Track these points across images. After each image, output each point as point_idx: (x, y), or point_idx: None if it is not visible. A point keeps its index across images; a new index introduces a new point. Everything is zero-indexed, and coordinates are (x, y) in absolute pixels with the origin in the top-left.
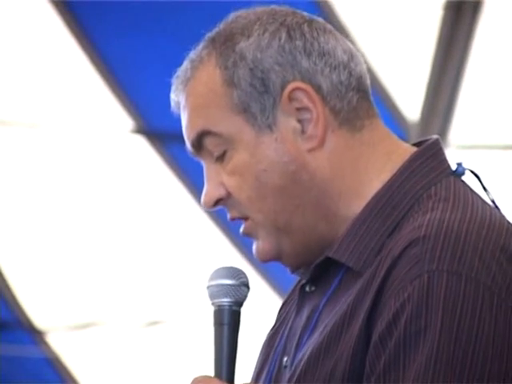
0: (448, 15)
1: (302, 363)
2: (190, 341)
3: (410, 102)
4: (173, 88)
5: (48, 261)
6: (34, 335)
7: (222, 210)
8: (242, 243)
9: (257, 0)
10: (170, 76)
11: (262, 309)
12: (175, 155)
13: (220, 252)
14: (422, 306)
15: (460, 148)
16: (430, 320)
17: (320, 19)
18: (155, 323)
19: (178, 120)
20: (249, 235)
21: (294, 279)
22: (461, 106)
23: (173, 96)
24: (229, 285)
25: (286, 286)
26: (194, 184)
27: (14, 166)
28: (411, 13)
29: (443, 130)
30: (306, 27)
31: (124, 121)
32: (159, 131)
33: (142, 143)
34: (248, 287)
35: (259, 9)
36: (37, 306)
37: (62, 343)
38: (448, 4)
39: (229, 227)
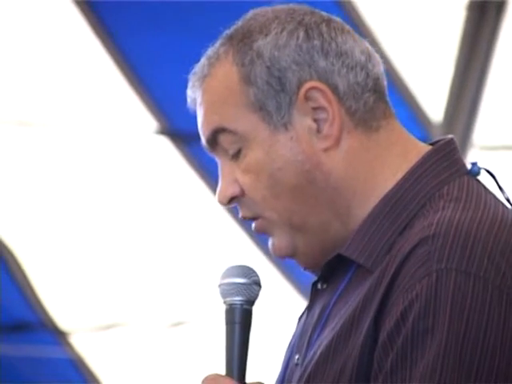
0: (471, 15)
1: (312, 361)
2: (214, 341)
3: (434, 103)
4: (189, 84)
5: (71, 262)
6: (58, 336)
7: None
8: (265, 243)
9: (280, 0)
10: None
11: (283, 306)
12: (199, 156)
13: (243, 252)
14: (430, 305)
15: (484, 149)
16: (437, 319)
17: (338, 19)
18: (179, 324)
19: None
20: (263, 232)
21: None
22: (484, 106)
23: (189, 92)
24: (240, 283)
25: (307, 284)
26: (217, 185)
27: (38, 166)
28: (434, 13)
29: (467, 131)
30: (324, 27)
31: (148, 122)
32: (183, 132)
33: (166, 144)
34: (260, 286)
35: (278, 7)
36: (60, 307)
37: (85, 344)
38: (471, 4)
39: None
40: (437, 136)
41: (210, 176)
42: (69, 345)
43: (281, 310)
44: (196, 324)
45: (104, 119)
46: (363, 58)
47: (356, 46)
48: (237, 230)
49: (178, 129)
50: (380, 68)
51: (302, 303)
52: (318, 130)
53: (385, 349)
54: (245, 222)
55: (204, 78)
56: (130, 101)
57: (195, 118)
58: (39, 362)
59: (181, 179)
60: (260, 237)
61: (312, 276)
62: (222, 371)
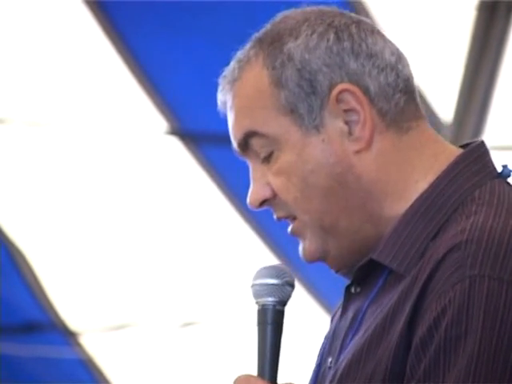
0: (482, 15)
1: (344, 365)
2: (226, 341)
3: (444, 103)
4: (219, 88)
5: (81, 262)
6: (68, 336)
7: (258, 212)
8: (276, 244)
9: (288, 0)
10: (205, 77)
11: (301, 313)
12: (209, 157)
13: (254, 253)
14: (463, 311)
15: (494, 149)
16: (470, 325)
17: (368, 20)
18: (190, 324)
19: (213, 121)
20: (296, 235)
21: (332, 281)
22: (495, 106)
23: (219, 96)
24: (273, 284)
25: (322, 287)
26: (228, 185)
27: (48, 167)
28: (444, 13)
29: (477, 131)
30: (353, 28)
31: (158, 122)
32: (193, 133)
33: (177, 145)
34: (292, 286)
35: (307, 9)
36: (70, 308)
37: (95, 344)
38: (482, 4)
39: (263, 228)
40: (447, 136)
41: (219, 177)
42: (79, 345)
43: (300, 318)
44: (207, 324)
45: (114, 120)
46: (393, 59)
47: (386, 47)
48: (247, 231)
49: (189, 129)
50: (409, 69)
51: (319, 311)
52: (350, 132)
53: (417, 355)
54: (257, 223)
55: (234, 81)
56: (140, 101)
57: (205, 118)
58: (49, 363)
59: (191, 180)
60: (271, 237)
61: (326, 283)
62: (236, 370)
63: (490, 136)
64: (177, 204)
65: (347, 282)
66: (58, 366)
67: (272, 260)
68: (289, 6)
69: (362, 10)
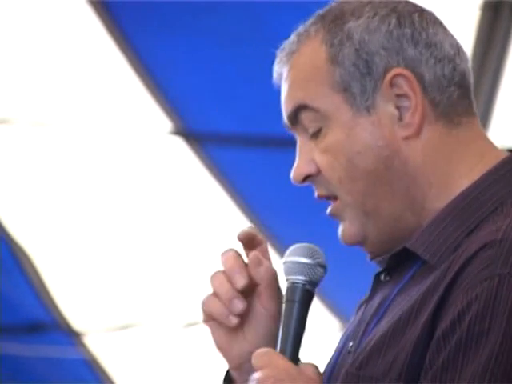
0: (485, 15)
1: (366, 350)
2: None
3: None
4: (277, 60)
5: (86, 262)
6: (72, 337)
7: (263, 212)
8: (282, 245)
9: (291, 1)
10: (209, 77)
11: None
12: (213, 157)
13: None
14: (488, 308)
15: None
16: (494, 323)
17: (431, 11)
18: (194, 324)
19: (217, 121)
20: (335, 216)
21: (343, 287)
22: (499, 106)
23: (276, 67)
24: (305, 263)
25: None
26: (233, 185)
27: (53, 167)
28: (448, 13)
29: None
30: (416, 16)
31: (162, 122)
32: (197, 132)
33: (181, 145)
34: (325, 268)
35: None
36: (75, 308)
37: (99, 344)
38: (485, 4)
39: (269, 229)
40: None
41: (223, 177)
42: (83, 345)
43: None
44: None
45: (118, 120)
46: (452, 52)
47: (446, 39)
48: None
49: (193, 129)
50: (468, 64)
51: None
52: (400, 118)
53: (438, 346)
54: (263, 225)
55: (292, 53)
56: (144, 101)
57: (209, 118)
58: (54, 363)
59: (195, 180)
60: (276, 238)
61: (337, 288)
62: None
63: (495, 136)
64: (181, 204)
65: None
66: (62, 366)
67: (276, 260)
68: (291, 6)
69: None
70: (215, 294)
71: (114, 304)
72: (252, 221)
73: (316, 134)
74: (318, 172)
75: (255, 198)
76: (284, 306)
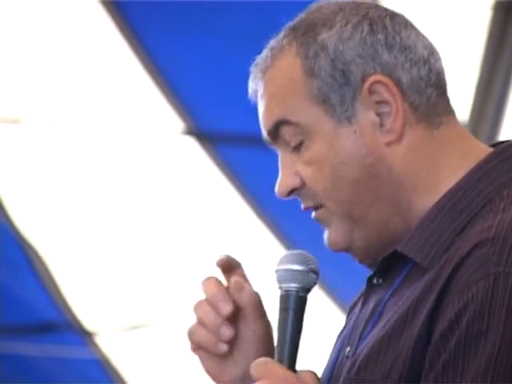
0: (497, 15)
1: (363, 355)
2: None
3: (460, 102)
4: (251, 76)
5: (97, 262)
6: (84, 336)
7: (275, 212)
8: (293, 244)
9: (303, 0)
10: (221, 77)
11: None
12: (226, 157)
13: (271, 253)
14: (485, 308)
15: None
16: (492, 322)
17: (402, 14)
18: None
19: (229, 121)
20: (320, 222)
21: (343, 274)
22: (511, 107)
23: (251, 84)
24: (297, 270)
25: (337, 284)
26: (245, 185)
27: (65, 167)
28: (460, 13)
29: (493, 130)
30: (388, 21)
31: (174, 122)
32: (209, 132)
33: (193, 145)
34: (317, 274)
35: (342, 1)
36: (86, 308)
37: (111, 344)
38: (497, 4)
39: (280, 229)
40: None
41: (236, 177)
42: (95, 345)
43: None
44: None
45: (130, 120)
46: (426, 53)
47: (419, 41)
48: (264, 231)
49: (205, 129)
50: (441, 63)
51: (334, 309)
52: (381, 124)
53: (437, 349)
54: (274, 225)
55: (267, 69)
56: (156, 102)
57: (221, 118)
58: (65, 363)
59: (207, 180)
60: (288, 238)
61: (345, 281)
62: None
63: (507, 135)
64: (193, 204)
65: (368, 273)
66: (74, 366)
67: None
68: (303, 6)
69: None
70: (201, 323)
71: (126, 304)
72: (263, 220)
73: (298, 147)
74: (303, 185)
75: (267, 197)
76: (278, 314)
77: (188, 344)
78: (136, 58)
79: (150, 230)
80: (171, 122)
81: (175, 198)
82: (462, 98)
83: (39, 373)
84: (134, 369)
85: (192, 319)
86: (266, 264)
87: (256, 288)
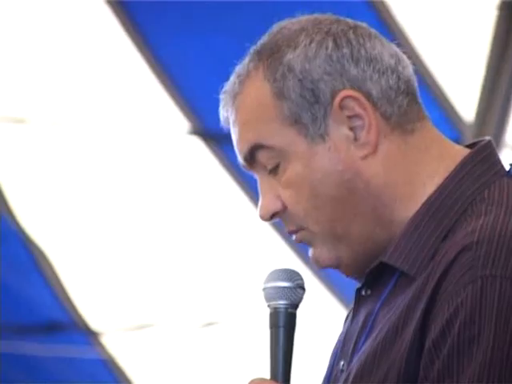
0: (503, 15)
1: (357, 368)
2: (246, 342)
3: (466, 103)
4: (221, 103)
5: (103, 262)
6: (89, 336)
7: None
8: (297, 244)
9: (307, 0)
10: (227, 77)
11: (321, 312)
12: (231, 156)
13: (275, 254)
14: (475, 312)
15: None
16: (483, 326)
17: (364, 24)
18: (211, 324)
19: None
20: (305, 243)
21: (352, 282)
22: None
23: (222, 111)
24: (285, 287)
25: (343, 288)
26: (250, 185)
27: (71, 167)
28: (466, 13)
29: (499, 131)
30: (351, 34)
31: (180, 122)
32: (215, 132)
33: (198, 144)
34: (304, 289)
35: (303, 18)
36: (92, 308)
37: (117, 344)
38: (503, 4)
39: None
40: (469, 136)
41: (241, 176)
42: (100, 345)
43: (321, 318)
44: (227, 324)
45: (137, 119)
46: (393, 62)
47: (384, 50)
48: (269, 231)
49: (211, 129)
50: (410, 70)
51: (341, 310)
52: (356, 138)
53: (431, 357)
54: (279, 224)
55: (236, 96)
56: (162, 101)
57: None
58: (71, 362)
59: (213, 179)
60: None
61: (352, 284)
62: (257, 370)
63: None
64: (199, 204)
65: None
66: (80, 365)
67: (293, 260)
68: (308, 5)
69: (384, 10)
70: None
71: (132, 304)
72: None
73: (275, 170)
74: (285, 208)
75: None
76: (270, 331)
77: (193, 343)
78: (142, 57)
79: (156, 229)
80: (177, 121)
81: (181, 198)
82: (468, 97)
83: (45, 372)
84: (139, 368)
85: (196, 319)
86: (272, 264)
87: (257, 290)
